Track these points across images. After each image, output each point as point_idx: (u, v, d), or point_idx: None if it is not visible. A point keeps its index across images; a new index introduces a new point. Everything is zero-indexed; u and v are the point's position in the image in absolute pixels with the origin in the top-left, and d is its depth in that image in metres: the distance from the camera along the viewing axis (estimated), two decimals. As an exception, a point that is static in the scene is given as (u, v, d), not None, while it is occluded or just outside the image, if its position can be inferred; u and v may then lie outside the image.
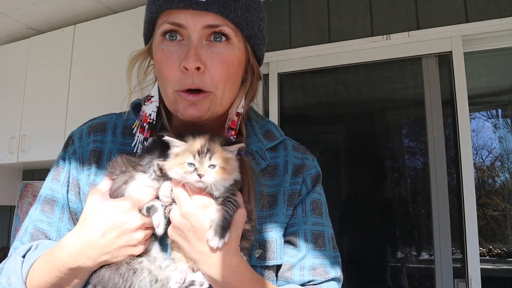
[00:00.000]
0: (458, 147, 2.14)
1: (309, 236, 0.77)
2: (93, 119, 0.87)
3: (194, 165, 0.63)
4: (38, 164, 3.11)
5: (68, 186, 0.79)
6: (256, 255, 0.73)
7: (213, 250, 0.64)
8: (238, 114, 0.78)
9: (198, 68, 0.69)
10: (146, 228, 0.68)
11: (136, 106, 0.82)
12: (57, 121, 2.79)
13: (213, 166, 0.64)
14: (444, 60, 2.26)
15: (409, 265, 2.26)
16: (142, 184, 0.69)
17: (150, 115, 0.77)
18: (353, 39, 2.41)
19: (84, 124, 0.86)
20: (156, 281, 0.65)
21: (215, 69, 0.70)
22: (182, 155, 0.65)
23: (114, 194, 0.70)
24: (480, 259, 2.04)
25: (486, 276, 2.03)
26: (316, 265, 0.76)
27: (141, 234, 0.67)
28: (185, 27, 0.70)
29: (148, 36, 0.79)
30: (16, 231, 3.26)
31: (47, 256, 0.69)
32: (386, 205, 2.39)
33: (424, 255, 2.24)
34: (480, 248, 2.08)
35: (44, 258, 0.69)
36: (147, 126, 0.77)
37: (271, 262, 0.74)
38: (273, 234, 0.75)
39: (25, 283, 0.69)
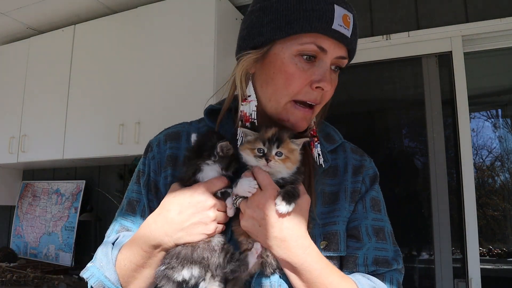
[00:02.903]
0: (458, 147, 2.14)
1: (370, 230, 0.83)
2: (168, 128, 0.95)
3: (264, 151, 0.73)
4: (38, 164, 3.11)
5: (148, 187, 0.88)
6: (322, 246, 0.79)
7: (282, 215, 0.71)
8: (315, 122, 0.89)
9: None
10: (218, 210, 0.75)
11: (210, 112, 0.91)
12: (57, 121, 2.79)
13: (280, 154, 0.73)
14: (444, 60, 2.26)
15: (409, 265, 2.25)
16: (211, 173, 0.77)
17: (250, 114, 0.84)
18: (353, 39, 2.40)
19: (160, 133, 0.94)
20: (232, 253, 0.73)
21: (328, 91, 0.81)
22: (254, 142, 0.74)
23: (187, 183, 0.78)
24: (480, 259, 2.04)
25: (486, 276, 2.03)
26: (378, 257, 0.81)
27: (213, 213, 0.74)
28: (326, 52, 0.78)
29: (270, 39, 0.79)
30: (16, 231, 3.26)
31: (132, 238, 0.79)
32: (386, 205, 2.39)
33: (424, 255, 2.24)
34: (480, 248, 2.08)
35: (130, 240, 0.79)
36: (249, 125, 0.84)
37: (335, 253, 0.80)
38: (337, 227, 0.82)
39: (115, 265, 0.78)
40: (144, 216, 0.86)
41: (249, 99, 0.84)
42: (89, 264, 0.81)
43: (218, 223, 0.75)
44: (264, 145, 0.73)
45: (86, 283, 0.79)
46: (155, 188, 0.87)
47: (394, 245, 0.86)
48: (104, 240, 0.86)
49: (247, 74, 0.84)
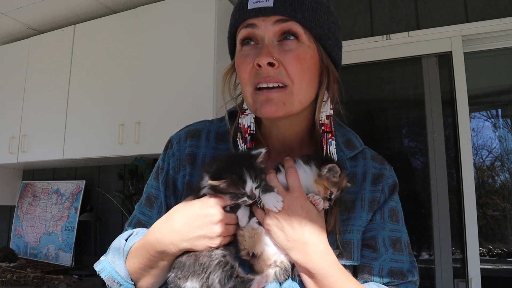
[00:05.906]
0: (458, 147, 2.14)
1: (387, 241, 0.83)
2: (189, 125, 0.94)
3: (332, 195, 0.77)
4: (38, 164, 3.11)
5: (166, 184, 0.88)
6: (335, 255, 0.78)
7: (320, 211, 0.74)
8: (328, 117, 0.85)
9: (271, 64, 0.75)
10: (226, 224, 0.73)
11: (232, 113, 0.91)
12: (57, 121, 2.79)
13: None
14: (444, 60, 2.26)
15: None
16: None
17: (249, 126, 0.85)
18: (353, 39, 2.41)
19: (181, 129, 0.94)
20: (232, 267, 0.72)
21: (288, 64, 0.76)
22: (332, 186, 0.76)
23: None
24: (480, 259, 2.04)
25: (486, 276, 2.03)
26: (394, 268, 0.81)
27: (220, 228, 0.72)
28: (257, 27, 0.77)
29: (233, 51, 0.86)
30: (16, 231, 3.26)
31: (141, 240, 0.80)
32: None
33: (424, 255, 2.24)
34: (480, 248, 2.08)
35: (139, 241, 0.80)
36: (249, 137, 0.85)
37: (347, 262, 0.79)
38: (351, 236, 0.81)
39: (125, 261, 0.80)
40: (160, 212, 0.86)
41: (246, 112, 0.86)
42: (102, 257, 0.83)
43: (224, 237, 0.74)
44: (337, 191, 0.76)
45: (99, 275, 0.82)
46: (173, 185, 0.87)
47: (410, 255, 0.85)
48: (121, 233, 0.88)
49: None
